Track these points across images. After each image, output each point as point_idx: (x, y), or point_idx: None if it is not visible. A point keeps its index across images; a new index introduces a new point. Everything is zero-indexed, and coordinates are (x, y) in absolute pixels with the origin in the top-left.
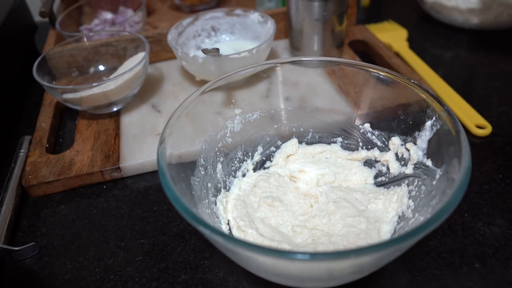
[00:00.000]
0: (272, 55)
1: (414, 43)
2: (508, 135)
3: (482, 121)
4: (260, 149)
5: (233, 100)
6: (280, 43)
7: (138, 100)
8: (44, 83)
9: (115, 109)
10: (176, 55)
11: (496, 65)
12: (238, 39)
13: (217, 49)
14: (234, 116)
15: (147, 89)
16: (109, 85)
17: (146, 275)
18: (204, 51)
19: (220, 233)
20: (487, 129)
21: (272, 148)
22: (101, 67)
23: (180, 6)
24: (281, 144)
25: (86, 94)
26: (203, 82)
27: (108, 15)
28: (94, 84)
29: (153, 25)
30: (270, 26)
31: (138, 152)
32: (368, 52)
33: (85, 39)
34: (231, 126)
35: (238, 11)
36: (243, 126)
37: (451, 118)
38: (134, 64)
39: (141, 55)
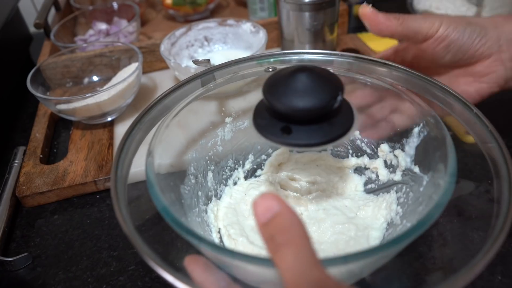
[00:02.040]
0: None
1: None
2: None
3: None
4: (251, 157)
5: (223, 109)
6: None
7: (132, 110)
8: (38, 94)
9: (109, 119)
10: (169, 65)
11: None
12: (230, 48)
13: (208, 60)
14: (225, 125)
15: (141, 99)
16: (103, 96)
17: (138, 284)
18: (195, 62)
19: (208, 242)
20: None
21: (263, 156)
22: (95, 78)
23: (174, 16)
24: (272, 152)
25: (79, 105)
26: None
27: (103, 26)
28: (88, 95)
29: (147, 35)
30: (262, 36)
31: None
32: None
33: (79, 50)
34: (221, 134)
35: (230, 21)
36: (234, 135)
37: (437, 123)
38: (128, 74)
39: (134, 66)
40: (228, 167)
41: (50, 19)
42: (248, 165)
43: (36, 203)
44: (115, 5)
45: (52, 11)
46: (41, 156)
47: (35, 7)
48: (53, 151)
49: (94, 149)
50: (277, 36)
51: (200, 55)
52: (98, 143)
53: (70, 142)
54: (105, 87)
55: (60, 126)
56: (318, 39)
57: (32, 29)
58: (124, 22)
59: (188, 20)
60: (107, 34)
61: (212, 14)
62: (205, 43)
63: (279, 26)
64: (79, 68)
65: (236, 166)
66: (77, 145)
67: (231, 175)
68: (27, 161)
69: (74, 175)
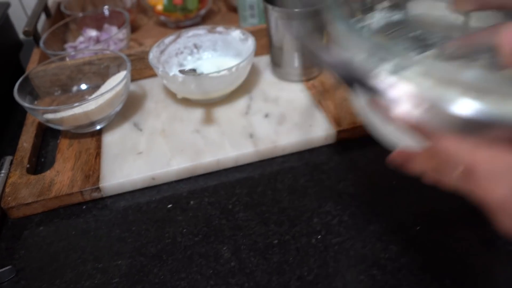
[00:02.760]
0: (254, 70)
1: None
2: None
3: None
4: None
5: (211, 118)
6: (263, 58)
7: (120, 118)
8: (25, 104)
9: (98, 127)
10: (157, 73)
11: None
12: (220, 55)
13: (194, 70)
14: None
15: (130, 107)
16: (90, 105)
17: None
18: (182, 71)
19: None
20: None
21: None
22: (84, 86)
23: (165, 22)
24: None
25: (67, 115)
26: (185, 99)
27: (93, 33)
28: (75, 105)
29: (139, 41)
30: (250, 43)
31: (118, 171)
32: None
33: (69, 58)
34: None
35: (219, 28)
36: None
37: None
38: (116, 83)
39: (123, 74)
40: None
41: (40, 25)
42: None
43: (22, 214)
44: (106, 11)
45: (43, 17)
46: (28, 166)
47: (25, 13)
48: (40, 161)
49: (82, 158)
50: (267, 43)
51: (190, 62)
52: (86, 152)
53: (57, 152)
54: (93, 96)
55: (49, 135)
56: None
57: (22, 36)
58: (114, 29)
59: (179, 26)
60: (97, 41)
61: (203, 20)
62: (195, 50)
63: (268, 33)
64: (68, 76)
65: None
66: (64, 154)
67: None
68: (13, 171)
69: (60, 186)
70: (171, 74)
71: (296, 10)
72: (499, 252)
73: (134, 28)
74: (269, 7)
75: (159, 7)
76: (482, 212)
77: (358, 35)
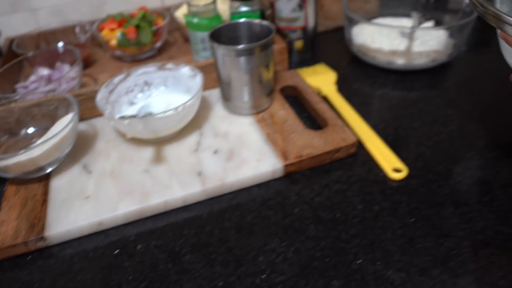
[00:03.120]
0: (205, 104)
1: (344, 84)
2: (423, 176)
3: (399, 164)
4: None
5: (160, 156)
6: (214, 92)
7: (69, 160)
8: None
9: (48, 170)
10: (104, 115)
11: (416, 105)
12: (171, 92)
13: (134, 116)
14: None
15: (80, 147)
16: (36, 151)
17: None
18: (122, 118)
19: None
20: (403, 172)
21: None
22: (32, 129)
23: (121, 56)
24: None
25: (12, 162)
26: (134, 139)
27: (45, 71)
28: (21, 152)
29: (94, 76)
30: (198, 80)
31: (65, 218)
32: (298, 97)
33: (19, 100)
34: None
35: (169, 65)
36: None
37: None
38: (63, 126)
39: (70, 116)
40: None
41: None
42: None
43: None
44: (59, 48)
45: None
46: None
47: None
48: None
49: (28, 206)
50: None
51: (140, 100)
52: (32, 199)
53: (3, 199)
54: (39, 141)
55: None
56: (254, 81)
57: None
58: (66, 67)
59: (135, 60)
60: (49, 80)
61: (159, 51)
62: (145, 87)
63: (216, 69)
64: (16, 118)
65: None
66: (10, 202)
67: None
68: None
69: (4, 237)
70: (116, 117)
71: (242, 46)
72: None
73: (89, 63)
74: (215, 44)
75: (113, 42)
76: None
77: None
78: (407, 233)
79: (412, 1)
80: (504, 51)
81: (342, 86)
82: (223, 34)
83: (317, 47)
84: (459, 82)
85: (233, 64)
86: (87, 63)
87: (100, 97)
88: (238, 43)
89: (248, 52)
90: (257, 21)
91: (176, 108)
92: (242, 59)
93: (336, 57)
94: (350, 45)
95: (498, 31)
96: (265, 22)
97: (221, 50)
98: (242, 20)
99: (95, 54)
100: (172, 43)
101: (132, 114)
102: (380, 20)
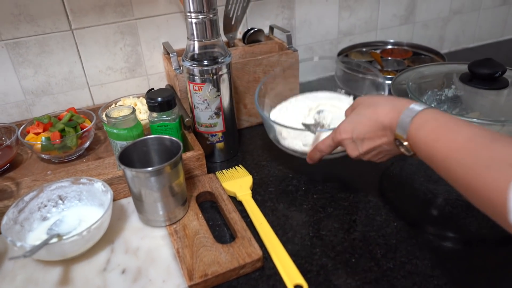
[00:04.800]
0: (121, 214)
1: (261, 187)
2: None
3: (300, 280)
4: None
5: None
6: (132, 201)
7: None
8: None
9: None
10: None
11: (325, 209)
12: (85, 205)
13: (28, 254)
14: None
15: None
16: None
17: None
18: (12, 258)
19: None
20: None
21: None
22: None
23: (48, 158)
24: None
25: None
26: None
27: None
28: None
29: (16, 180)
30: (109, 196)
31: None
32: (215, 203)
33: None
34: None
35: (83, 179)
36: None
37: None
38: None
39: None
40: None
41: None
42: None
43: None
44: None
45: None
46: None
47: None
48: None
49: None
50: None
51: (54, 214)
52: None
53: None
54: None
55: None
56: (167, 196)
57: None
58: None
59: (62, 161)
60: None
61: (87, 150)
62: (60, 201)
63: (128, 187)
64: None
65: None
66: None
67: None
68: None
69: None
70: (18, 245)
71: (150, 169)
72: None
73: (15, 165)
74: (123, 167)
75: (38, 146)
76: None
77: None
78: None
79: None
80: None
81: (258, 190)
82: (133, 151)
83: (239, 146)
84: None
85: (144, 183)
86: (12, 165)
87: (5, 220)
88: (149, 158)
89: (158, 172)
90: (166, 137)
91: (80, 233)
92: (153, 179)
93: (257, 154)
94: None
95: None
96: (174, 138)
97: (130, 172)
98: (151, 136)
99: (23, 153)
100: (101, 141)
101: (33, 245)
102: (300, 97)
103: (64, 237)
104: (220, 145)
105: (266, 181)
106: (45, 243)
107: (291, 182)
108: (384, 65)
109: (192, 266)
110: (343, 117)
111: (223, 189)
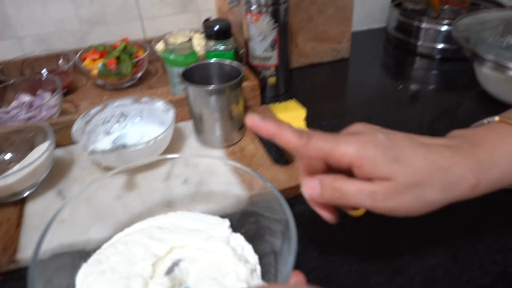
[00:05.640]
0: (179, 136)
1: (314, 121)
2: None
3: None
4: None
5: (132, 184)
6: (188, 124)
7: (45, 186)
8: None
9: (24, 195)
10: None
11: None
12: (146, 123)
13: (106, 150)
14: None
15: (56, 173)
16: (10, 179)
17: None
18: (92, 152)
19: None
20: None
21: None
22: (9, 155)
23: (102, 84)
24: None
25: None
26: (108, 167)
27: (26, 98)
28: None
29: (75, 103)
30: (171, 115)
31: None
32: None
33: None
34: None
35: (145, 99)
36: None
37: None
38: (39, 154)
39: (46, 145)
40: None
41: None
42: None
43: None
44: (43, 75)
45: None
46: None
47: None
48: None
49: (2, 229)
50: None
51: (116, 130)
52: (7, 222)
53: None
54: (15, 168)
55: None
56: (225, 117)
57: None
58: (47, 95)
59: (116, 89)
60: (30, 106)
61: (140, 81)
62: (122, 118)
63: (189, 105)
64: None
65: None
66: None
67: None
68: None
69: None
70: (90, 149)
71: (212, 87)
72: None
73: (72, 90)
74: (187, 84)
75: (95, 72)
76: None
77: None
78: (362, 268)
79: None
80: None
81: (312, 123)
82: (195, 73)
83: (290, 83)
84: None
85: (204, 102)
86: (70, 90)
87: (76, 128)
88: (210, 81)
89: (218, 92)
90: (227, 61)
91: (147, 142)
92: (213, 98)
93: (308, 93)
94: None
95: None
96: (234, 63)
97: (193, 90)
98: (213, 60)
99: (78, 81)
100: (153, 73)
101: (104, 148)
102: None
103: (132, 146)
104: (272, 80)
105: (319, 116)
106: (116, 147)
107: (344, 117)
108: (440, 14)
109: (251, 181)
110: (217, 271)
111: (277, 119)
